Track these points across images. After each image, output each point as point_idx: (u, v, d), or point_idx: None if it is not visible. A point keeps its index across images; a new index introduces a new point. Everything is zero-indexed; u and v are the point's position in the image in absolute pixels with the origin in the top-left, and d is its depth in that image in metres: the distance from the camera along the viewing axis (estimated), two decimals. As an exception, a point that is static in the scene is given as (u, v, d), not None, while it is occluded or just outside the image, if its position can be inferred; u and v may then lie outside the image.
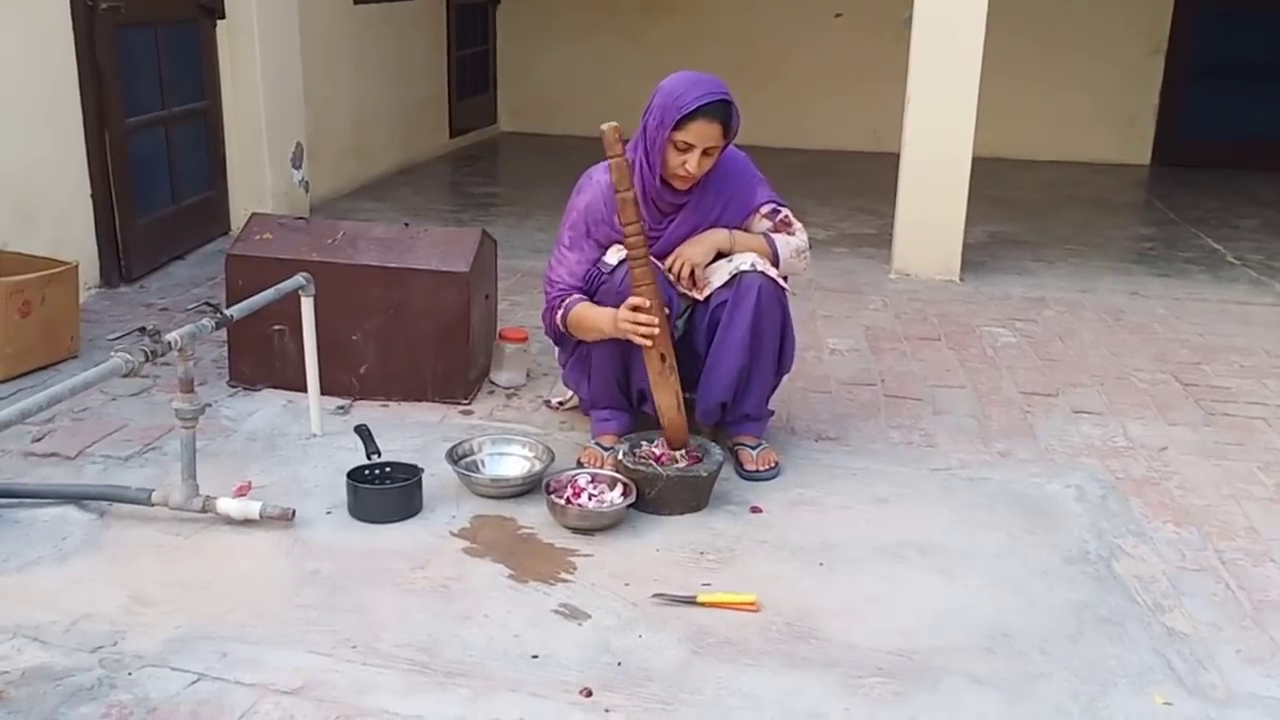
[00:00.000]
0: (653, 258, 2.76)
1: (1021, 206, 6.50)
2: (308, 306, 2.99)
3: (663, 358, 2.73)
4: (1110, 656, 2.19)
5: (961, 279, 4.89)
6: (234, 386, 3.40)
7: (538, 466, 2.86)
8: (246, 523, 2.57)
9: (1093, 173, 7.69)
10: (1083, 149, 7.96)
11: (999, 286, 4.83)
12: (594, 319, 2.81)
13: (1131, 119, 8.01)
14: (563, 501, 2.66)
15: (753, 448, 2.96)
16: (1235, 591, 2.44)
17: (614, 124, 2.62)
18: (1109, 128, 8.00)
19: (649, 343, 2.70)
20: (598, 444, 3.00)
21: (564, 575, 2.44)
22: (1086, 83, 7.85)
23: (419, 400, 3.33)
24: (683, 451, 2.82)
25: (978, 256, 5.20)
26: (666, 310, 2.76)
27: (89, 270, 4.21)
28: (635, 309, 2.68)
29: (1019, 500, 2.85)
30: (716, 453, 2.82)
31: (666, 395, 2.76)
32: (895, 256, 4.98)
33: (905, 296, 4.64)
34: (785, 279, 2.90)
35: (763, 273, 2.82)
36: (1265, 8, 7.62)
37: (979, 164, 4.87)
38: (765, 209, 2.97)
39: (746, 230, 2.96)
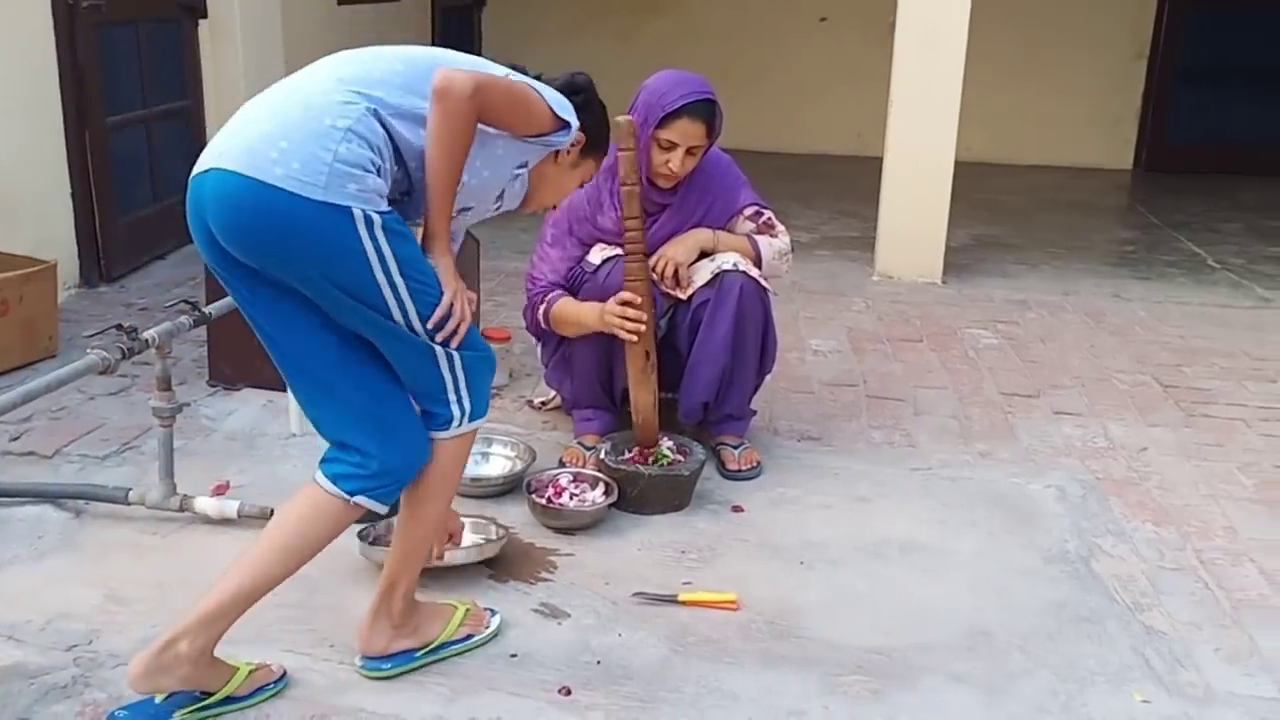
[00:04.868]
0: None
1: (1004, 210, 6.53)
2: (288, 305, 2.98)
3: (646, 355, 2.73)
4: (1089, 655, 2.19)
5: (944, 281, 4.90)
6: (214, 386, 3.39)
7: (519, 466, 2.85)
8: (224, 522, 2.56)
9: (1076, 177, 7.72)
10: (1066, 153, 7.99)
11: (981, 289, 4.84)
12: (578, 313, 2.80)
13: (1115, 123, 8.05)
14: (544, 501, 2.65)
15: (735, 447, 2.96)
16: (1214, 591, 2.45)
17: (629, 117, 2.62)
18: (1093, 132, 8.03)
19: (634, 338, 2.69)
20: (580, 443, 2.99)
21: (544, 575, 2.43)
22: (1070, 87, 7.88)
23: (400, 400, 3.32)
24: (671, 444, 2.82)
25: (960, 259, 5.21)
26: (653, 309, 2.76)
27: (68, 269, 4.18)
28: (625, 304, 2.68)
29: (999, 500, 2.85)
30: (699, 452, 2.82)
31: (645, 394, 2.76)
32: (878, 259, 4.99)
33: (888, 298, 4.65)
34: (767, 280, 2.90)
35: (744, 272, 2.82)
36: (1250, 11, 7.64)
37: (962, 168, 4.89)
38: (748, 211, 2.97)
39: (730, 232, 2.96)
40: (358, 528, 2.35)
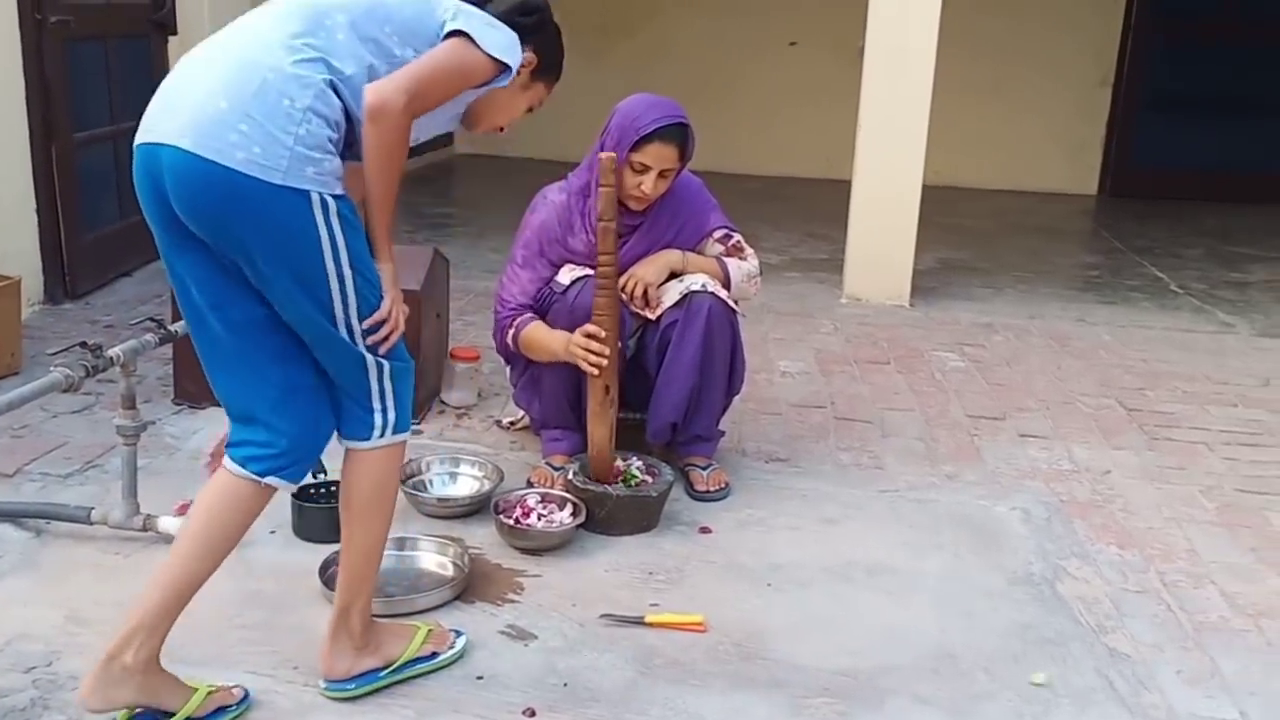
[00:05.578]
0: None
1: (972, 234, 6.59)
2: (255, 323, 2.96)
3: (606, 390, 2.73)
4: (1053, 677, 2.20)
5: (911, 304, 4.93)
6: (178, 404, 3.36)
7: (486, 486, 2.85)
8: (188, 542, 2.52)
9: (1042, 202, 7.81)
10: (1032, 178, 8.08)
11: (948, 312, 4.88)
12: (545, 340, 2.81)
13: (1081, 149, 8.16)
14: (511, 521, 2.64)
15: (703, 468, 2.97)
16: (1176, 613, 2.47)
17: (612, 154, 2.63)
18: (1058, 158, 8.14)
19: (596, 372, 2.70)
20: (548, 464, 2.99)
21: (511, 596, 2.42)
22: (1037, 113, 7.98)
23: (368, 419, 3.30)
24: (640, 465, 2.82)
25: (928, 282, 5.25)
26: (619, 344, 2.76)
27: (33, 286, 4.14)
28: (589, 336, 2.69)
29: (965, 522, 2.87)
30: (667, 473, 2.82)
31: (602, 429, 2.75)
32: (846, 281, 5.02)
33: (856, 321, 4.68)
34: (736, 302, 2.92)
35: (713, 293, 2.84)
36: (1212, 43, 7.77)
37: (930, 192, 4.93)
38: (718, 234, 2.99)
39: (699, 254, 2.97)
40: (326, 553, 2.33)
